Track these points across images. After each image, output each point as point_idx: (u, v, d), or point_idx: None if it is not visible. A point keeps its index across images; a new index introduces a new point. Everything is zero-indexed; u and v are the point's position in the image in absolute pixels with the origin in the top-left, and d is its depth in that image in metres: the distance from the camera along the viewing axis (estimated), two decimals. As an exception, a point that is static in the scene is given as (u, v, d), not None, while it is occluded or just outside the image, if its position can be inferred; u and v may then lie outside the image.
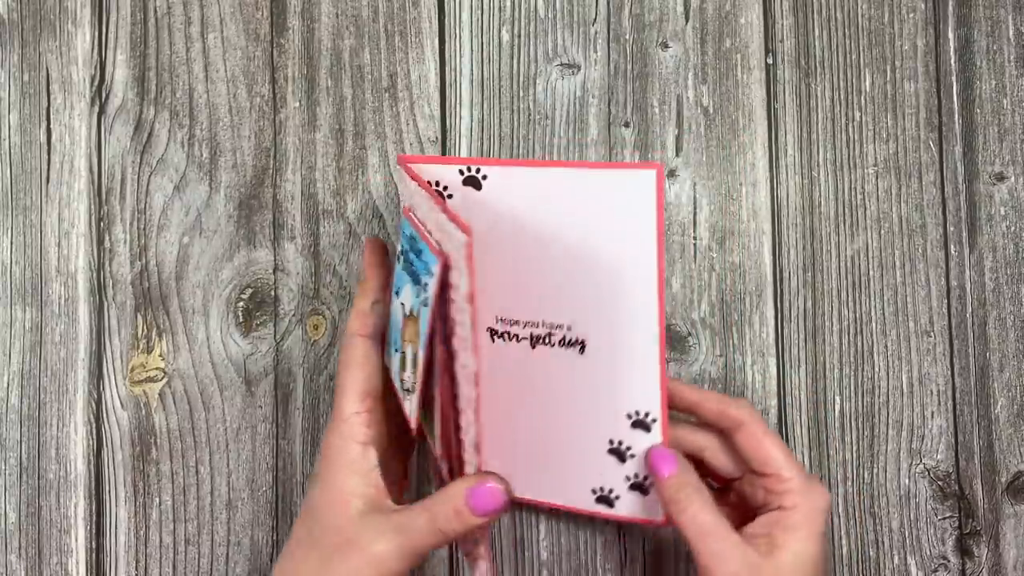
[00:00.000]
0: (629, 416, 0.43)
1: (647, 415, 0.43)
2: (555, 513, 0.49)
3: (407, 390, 0.40)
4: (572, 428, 0.44)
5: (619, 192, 0.41)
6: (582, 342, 0.43)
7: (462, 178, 0.43)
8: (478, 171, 0.43)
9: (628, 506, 0.45)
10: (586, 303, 0.43)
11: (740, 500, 0.43)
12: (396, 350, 0.41)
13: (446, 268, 0.35)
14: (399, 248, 0.41)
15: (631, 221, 0.41)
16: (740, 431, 0.42)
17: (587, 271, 0.42)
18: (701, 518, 0.40)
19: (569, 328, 0.43)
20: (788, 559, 0.39)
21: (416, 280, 0.38)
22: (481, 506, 0.37)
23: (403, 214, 0.41)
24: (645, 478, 0.44)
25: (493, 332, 0.44)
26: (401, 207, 0.43)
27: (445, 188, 0.43)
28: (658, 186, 0.40)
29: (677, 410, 0.44)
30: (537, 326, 0.43)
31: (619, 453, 0.44)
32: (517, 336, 0.44)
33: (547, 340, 0.43)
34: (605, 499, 0.45)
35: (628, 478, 0.44)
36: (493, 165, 0.42)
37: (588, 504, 0.45)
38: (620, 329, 0.42)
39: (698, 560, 0.40)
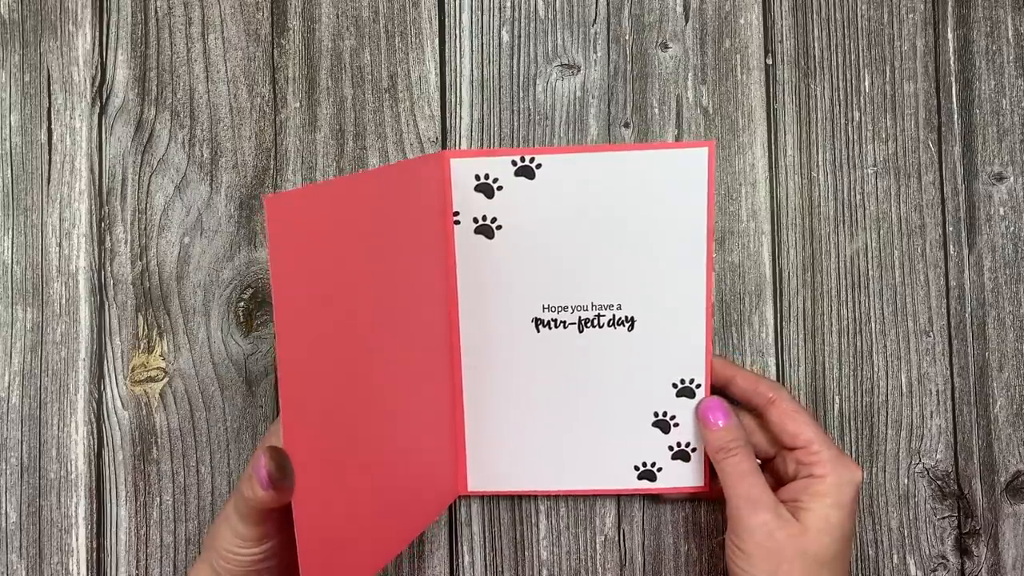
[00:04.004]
0: (675, 385, 0.46)
1: (692, 381, 0.46)
2: (555, 512, 0.49)
3: None
4: (617, 405, 0.47)
5: (673, 170, 0.44)
6: (631, 319, 0.46)
7: (514, 168, 0.45)
8: (532, 160, 0.45)
9: (670, 477, 0.47)
10: (637, 281, 0.46)
11: (774, 479, 0.45)
12: None
13: None
14: None
15: (684, 196, 0.45)
16: (772, 407, 0.44)
17: (639, 250, 0.45)
18: (744, 465, 0.42)
19: (619, 307, 0.46)
20: (813, 522, 0.41)
21: None
22: (264, 479, 0.34)
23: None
24: (687, 444, 0.47)
25: (539, 322, 0.46)
26: None
27: (495, 180, 0.45)
28: (710, 161, 0.44)
29: (714, 384, 0.46)
30: (586, 309, 0.46)
31: (663, 424, 0.47)
32: (565, 322, 0.46)
33: (596, 322, 0.46)
34: (648, 474, 0.48)
35: (671, 448, 0.47)
36: (547, 153, 0.44)
37: (630, 482, 0.48)
38: (670, 302, 0.46)
39: (731, 504, 0.42)
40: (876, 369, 0.49)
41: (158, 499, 0.49)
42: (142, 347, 0.49)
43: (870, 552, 0.49)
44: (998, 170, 0.49)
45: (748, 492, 0.41)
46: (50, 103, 0.50)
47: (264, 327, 0.49)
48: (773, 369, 0.49)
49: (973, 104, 0.49)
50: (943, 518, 0.49)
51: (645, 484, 0.47)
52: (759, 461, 0.46)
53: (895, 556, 0.49)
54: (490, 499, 0.49)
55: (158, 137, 0.50)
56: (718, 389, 0.47)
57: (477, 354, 0.47)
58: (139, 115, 0.50)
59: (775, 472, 0.45)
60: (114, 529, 0.49)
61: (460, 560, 0.49)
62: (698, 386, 0.46)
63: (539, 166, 0.45)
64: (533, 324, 0.46)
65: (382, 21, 0.50)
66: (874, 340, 0.49)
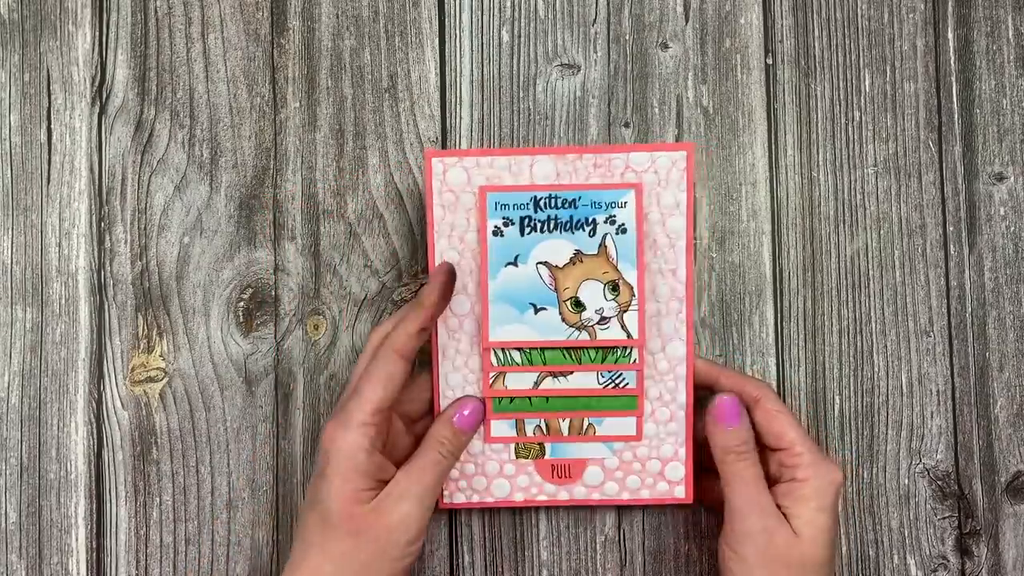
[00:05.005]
0: None
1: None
2: (555, 512, 0.49)
3: (594, 323, 0.44)
4: None
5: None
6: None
7: None
8: None
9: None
10: None
11: None
12: (540, 306, 0.44)
13: (640, 194, 0.43)
14: (496, 223, 0.44)
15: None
16: (757, 407, 0.43)
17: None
18: (753, 470, 0.42)
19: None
20: (804, 529, 0.41)
21: (573, 227, 0.44)
22: (468, 423, 0.43)
23: (481, 192, 0.44)
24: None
25: None
26: (452, 194, 0.44)
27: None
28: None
29: (698, 385, 0.46)
30: None
31: None
32: None
33: None
34: None
35: None
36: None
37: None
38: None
39: (733, 508, 0.42)
40: (876, 369, 0.49)
41: (158, 499, 0.49)
42: (142, 347, 0.49)
43: (870, 552, 0.49)
44: (998, 170, 0.49)
45: (756, 497, 0.41)
46: (50, 103, 0.50)
47: (264, 327, 0.49)
48: (773, 369, 0.49)
49: (973, 104, 0.49)
50: (943, 518, 0.48)
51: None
52: None
53: (895, 556, 0.49)
54: (490, 499, 0.49)
55: (158, 137, 0.50)
56: (703, 391, 0.46)
57: None
58: (139, 115, 0.50)
59: None
60: (114, 529, 0.49)
61: (460, 560, 0.49)
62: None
63: None
64: None
65: (382, 21, 0.50)
66: (874, 340, 0.49)
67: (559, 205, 0.44)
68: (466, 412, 0.43)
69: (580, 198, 0.43)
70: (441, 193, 0.44)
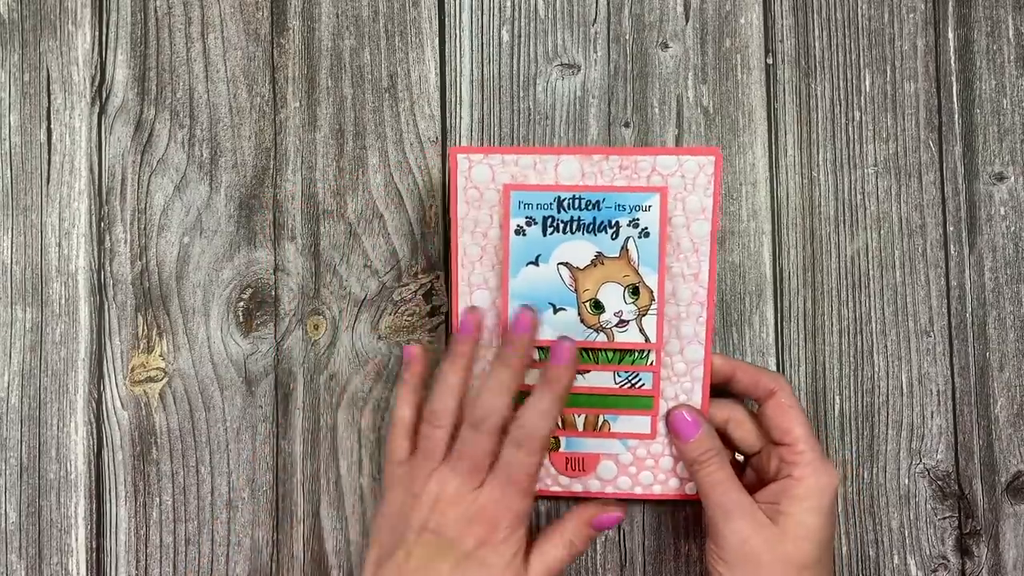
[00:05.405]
0: None
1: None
2: (555, 512, 0.49)
3: (612, 326, 0.44)
4: None
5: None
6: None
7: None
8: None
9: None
10: None
11: (755, 475, 0.45)
12: (560, 307, 0.44)
13: (664, 199, 0.44)
14: (518, 222, 0.44)
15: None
16: (770, 400, 0.44)
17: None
18: (718, 475, 0.42)
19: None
20: (791, 527, 0.41)
21: (596, 229, 0.44)
22: (606, 524, 0.44)
23: (505, 190, 0.44)
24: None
25: None
26: (476, 190, 0.45)
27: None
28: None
29: (715, 382, 0.46)
30: None
31: None
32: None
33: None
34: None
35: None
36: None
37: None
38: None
39: (707, 512, 0.42)
40: (877, 369, 0.49)
41: (158, 499, 0.49)
42: (142, 347, 0.49)
43: (870, 552, 0.49)
44: (999, 170, 0.49)
45: (721, 500, 0.42)
46: (49, 103, 0.50)
47: (264, 327, 0.49)
48: (773, 369, 0.49)
49: (974, 104, 0.49)
50: (944, 518, 0.48)
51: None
52: (742, 457, 0.46)
53: (895, 556, 0.49)
54: (490, 499, 0.49)
55: (158, 137, 0.50)
56: (720, 386, 0.46)
57: None
58: (139, 115, 0.50)
59: (758, 468, 0.45)
60: (114, 529, 0.49)
61: (460, 560, 0.49)
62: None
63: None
64: None
65: (382, 21, 0.50)
66: (874, 340, 0.49)
67: (582, 206, 0.44)
68: (608, 517, 0.44)
69: (604, 200, 0.43)
70: (465, 189, 0.45)
